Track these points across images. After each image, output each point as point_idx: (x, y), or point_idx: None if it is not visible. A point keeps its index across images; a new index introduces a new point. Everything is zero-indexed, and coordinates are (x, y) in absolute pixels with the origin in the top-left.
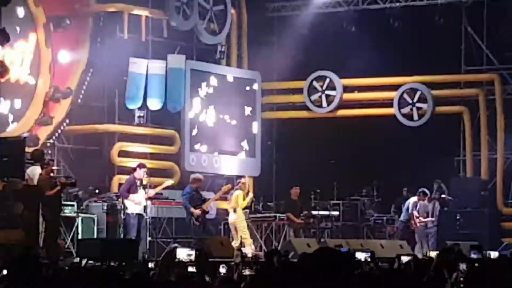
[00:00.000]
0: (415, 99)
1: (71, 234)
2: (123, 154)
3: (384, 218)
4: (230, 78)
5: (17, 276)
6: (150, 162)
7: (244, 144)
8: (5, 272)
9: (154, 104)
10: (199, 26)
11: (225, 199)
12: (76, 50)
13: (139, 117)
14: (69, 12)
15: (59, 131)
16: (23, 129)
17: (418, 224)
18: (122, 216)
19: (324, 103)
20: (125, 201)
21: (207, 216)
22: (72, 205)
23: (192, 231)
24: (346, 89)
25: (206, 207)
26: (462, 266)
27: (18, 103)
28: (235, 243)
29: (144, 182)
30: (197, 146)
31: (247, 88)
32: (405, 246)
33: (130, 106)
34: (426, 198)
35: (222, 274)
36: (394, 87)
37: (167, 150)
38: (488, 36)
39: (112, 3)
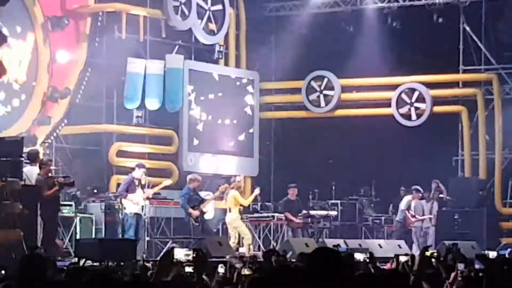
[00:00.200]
0: (413, 99)
1: (69, 234)
2: (121, 154)
3: (383, 218)
4: (228, 78)
5: (22, 276)
6: (148, 162)
7: (242, 144)
8: (4, 272)
9: (152, 104)
10: (197, 26)
11: (221, 198)
12: (74, 50)
13: (137, 117)
14: (67, 12)
15: (57, 131)
16: (21, 129)
17: (412, 222)
18: (121, 216)
19: (322, 103)
20: (123, 200)
21: (205, 216)
22: (70, 205)
23: (191, 231)
24: (344, 89)
25: (204, 207)
26: (461, 266)
27: (16, 103)
28: (232, 243)
29: (143, 182)
30: (195, 146)
31: (245, 88)
32: (403, 246)
33: (128, 106)
34: (420, 195)
35: (221, 274)
36: (392, 87)
37: (165, 150)
38: (486, 35)
39: (110, 3)
